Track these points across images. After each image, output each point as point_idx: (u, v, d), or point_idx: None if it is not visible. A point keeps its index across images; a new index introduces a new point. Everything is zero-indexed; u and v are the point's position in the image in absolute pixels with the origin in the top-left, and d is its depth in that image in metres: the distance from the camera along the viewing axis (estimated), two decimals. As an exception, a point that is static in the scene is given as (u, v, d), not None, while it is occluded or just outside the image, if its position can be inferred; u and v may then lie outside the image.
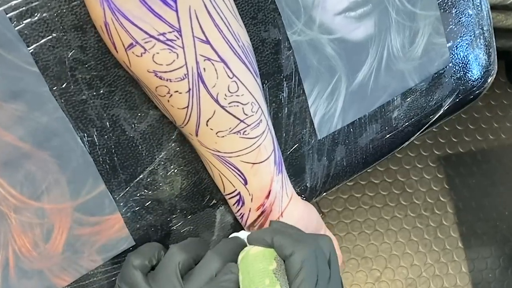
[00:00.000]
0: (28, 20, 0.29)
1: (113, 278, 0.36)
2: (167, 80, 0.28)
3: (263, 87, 0.38)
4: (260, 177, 0.34)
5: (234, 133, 0.31)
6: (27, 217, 0.32)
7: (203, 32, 0.28)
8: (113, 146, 0.34)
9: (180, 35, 0.27)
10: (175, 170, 0.36)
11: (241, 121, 0.31)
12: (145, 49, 0.27)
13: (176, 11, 0.27)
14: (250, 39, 0.36)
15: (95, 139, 0.33)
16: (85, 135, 0.33)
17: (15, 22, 0.29)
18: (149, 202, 0.36)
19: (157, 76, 0.28)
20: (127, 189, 0.35)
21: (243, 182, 0.34)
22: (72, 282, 0.34)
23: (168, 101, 0.30)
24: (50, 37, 0.30)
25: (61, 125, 0.32)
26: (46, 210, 0.32)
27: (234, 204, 0.36)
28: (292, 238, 0.30)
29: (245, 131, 0.31)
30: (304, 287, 0.28)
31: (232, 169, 0.33)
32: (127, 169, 0.35)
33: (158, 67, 0.28)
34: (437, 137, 0.86)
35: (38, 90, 0.30)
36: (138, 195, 0.36)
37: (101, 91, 0.32)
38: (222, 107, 0.30)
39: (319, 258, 0.29)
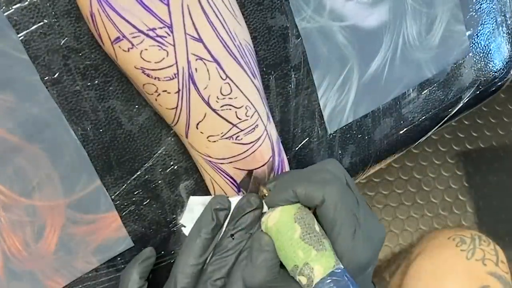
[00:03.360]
0: (18, 5, 0.28)
1: (108, 283, 0.35)
2: (155, 79, 0.27)
3: (269, 78, 0.36)
4: (254, 184, 0.32)
5: (226, 138, 0.29)
6: (17, 215, 0.31)
7: (196, 29, 0.26)
8: (108, 141, 0.32)
9: (171, 32, 0.26)
10: (175, 167, 0.35)
11: (234, 125, 0.29)
12: (132, 44, 0.26)
13: (168, 5, 0.25)
14: (256, 26, 0.35)
15: (90, 132, 0.32)
16: (79, 128, 0.31)
17: (4, 7, 0.28)
18: (148, 200, 0.35)
19: (144, 73, 0.27)
20: (123, 186, 0.34)
21: (236, 190, 0.32)
22: (65, 285, 0.33)
23: (156, 99, 0.28)
24: (42, 23, 0.29)
25: (53, 117, 0.30)
26: (37, 207, 0.31)
27: None
28: (312, 183, 0.28)
29: (238, 136, 0.30)
30: (344, 232, 0.27)
31: (224, 176, 0.31)
32: (123, 165, 0.33)
33: (146, 64, 0.26)
34: (456, 132, 0.83)
35: (28, 79, 0.29)
36: (135, 193, 0.34)
37: (96, 82, 0.31)
38: (214, 110, 0.28)
39: (344, 191, 0.28)
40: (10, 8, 0.28)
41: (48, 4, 0.29)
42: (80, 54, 0.30)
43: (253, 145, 0.30)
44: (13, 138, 0.30)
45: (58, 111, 0.30)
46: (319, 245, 0.27)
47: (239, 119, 0.29)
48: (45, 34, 0.29)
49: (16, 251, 0.31)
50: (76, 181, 0.32)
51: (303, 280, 0.26)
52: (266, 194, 0.30)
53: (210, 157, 0.30)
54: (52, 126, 0.30)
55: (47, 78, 0.30)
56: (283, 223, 0.28)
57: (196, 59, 0.27)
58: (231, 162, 0.31)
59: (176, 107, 0.28)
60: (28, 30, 0.29)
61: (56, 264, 0.32)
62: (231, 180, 0.31)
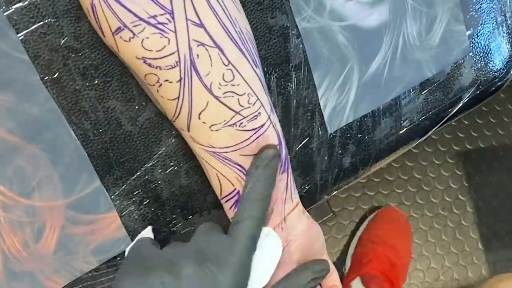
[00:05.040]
0: (18, 4, 0.28)
1: (108, 283, 0.34)
2: (156, 68, 0.26)
3: (270, 77, 0.36)
4: None
5: (229, 126, 0.29)
6: (17, 215, 0.31)
7: (197, 14, 0.26)
8: (108, 141, 0.32)
9: (173, 18, 0.25)
10: (175, 168, 0.35)
11: (237, 113, 0.29)
12: (133, 34, 0.25)
13: None
14: (256, 26, 0.35)
15: (89, 133, 0.31)
16: (79, 128, 0.31)
17: (3, 7, 0.28)
18: (147, 201, 0.35)
19: (146, 63, 0.26)
20: (123, 187, 0.33)
21: (244, 179, 0.31)
22: (65, 285, 0.33)
23: (158, 91, 0.28)
24: (42, 23, 0.29)
25: (53, 117, 0.30)
26: (37, 207, 0.31)
27: (230, 208, 0.33)
28: None
29: (241, 123, 0.29)
30: None
31: (231, 165, 0.30)
32: (123, 165, 0.33)
33: (148, 53, 0.26)
34: (456, 132, 0.83)
35: (28, 80, 0.29)
36: (135, 193, 0.34)
37: (96, 82, 0.31)
38: (216, 97, 0.28)
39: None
40: (10, 8, 0.28)
41: (48, 4, 0.28)
42: (80, 54, 0.30)
43: (257, 131, 0.30)
44: (13, 138, 0.29)
45: (58, 111, 0.30)
46: None
47: (242, 106, 0.29)
48: (45, 34, 0.29)
49: (16, 251, 0.31)
50: (76, 181, 0.31)
51: None
52: None
53: (213, 147, 0.29)
54: (52, 126, 0.30)
55: (46, 78, 0.29)
56: None
57: (198, 45, 0.26)
58: (235, 150, 0.30)
59: (178, 97, 0.27)
60: (28, 30, 0.28)
61: (55, 264, 0.32)
62: (239, 168, 0.30)
